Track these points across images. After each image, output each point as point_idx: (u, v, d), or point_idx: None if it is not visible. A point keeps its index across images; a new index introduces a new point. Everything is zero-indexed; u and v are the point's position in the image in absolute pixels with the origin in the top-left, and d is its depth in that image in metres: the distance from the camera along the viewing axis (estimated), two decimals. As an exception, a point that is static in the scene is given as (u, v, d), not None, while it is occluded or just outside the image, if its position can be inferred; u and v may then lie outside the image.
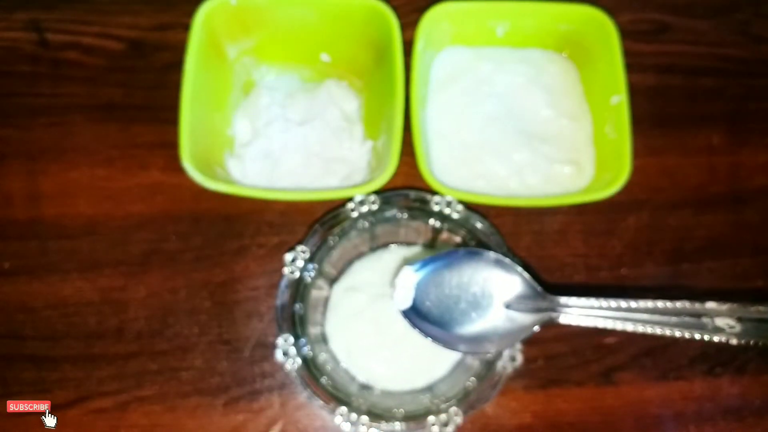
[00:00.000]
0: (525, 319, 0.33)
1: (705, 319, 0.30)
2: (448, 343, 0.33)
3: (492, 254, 0.33)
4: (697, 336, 0.31)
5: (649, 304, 0.31)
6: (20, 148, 0.42)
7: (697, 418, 0.39)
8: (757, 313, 0.26)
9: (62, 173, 0.42)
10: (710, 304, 0.28)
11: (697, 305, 0.30)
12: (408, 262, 0.36)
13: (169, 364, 0.39)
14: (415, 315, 0.33)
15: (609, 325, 0.32)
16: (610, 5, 0.46)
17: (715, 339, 0.30)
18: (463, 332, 0.33)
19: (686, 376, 0.39)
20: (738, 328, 0.27)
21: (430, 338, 0.33)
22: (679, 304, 0.31)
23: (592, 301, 0.33)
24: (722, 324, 0.28)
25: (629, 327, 0.32)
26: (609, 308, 0.32)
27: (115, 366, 0.38)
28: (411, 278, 0.33)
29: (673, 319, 0.31)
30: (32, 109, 0.43)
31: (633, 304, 0.32)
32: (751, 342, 0.30)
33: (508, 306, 0.33)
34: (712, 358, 0.40)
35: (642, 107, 0.44)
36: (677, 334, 0.31)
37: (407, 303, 0.33)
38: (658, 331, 0.31)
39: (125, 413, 0.38)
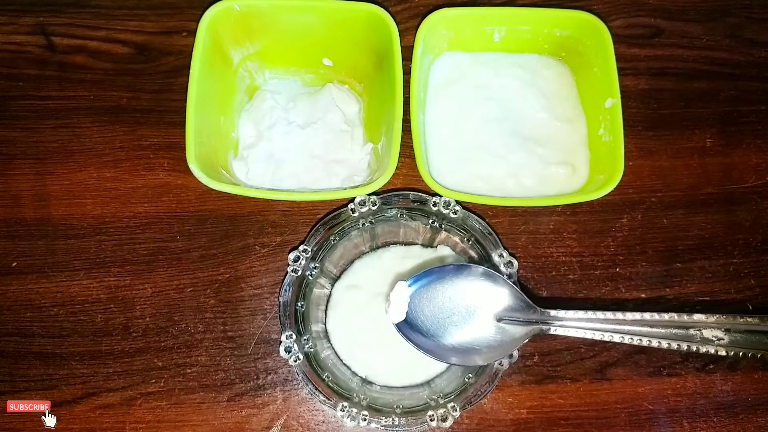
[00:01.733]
0: (516, 331, 0.33)
1: (693, 331, 0.29)
2: (440, 355, 0.33)
3: (480, 268, 0.34)
4: (685, 347, 0.30)
5: (637, 316, 0.31)
6: (28, 150, 0.43)
7: (691, 414, 0.39)
8: (745, 324, 0.26)
9: (70, 174, 0.42)
10: (698, 316, 0.27)
11: (685, 317, 0.29)
12: (401, 277, 0.36)
13: (175, 360, 0.39)
14: (409, 328, 0.33)
15: (598, 336, 0.32)
16: (604, 11, 0.47)
17: (703, 350, 0.29)
18: (454, 344, 0.33)
19: (679, 373, 0.40)
20: (726, 339, 0.27)
21: (422, 351, 0.33)
22: (667, 316, 0.30)
23: (580, 314, 0.33)
24: (710, 335, 0.27)
25: (617, 338, 0.32)
26: (598, 320, 0.32)
27: (122, 363, 0.39)
28: (404, 292, 0.33)
29: (662, 330, 0.31)
30: (40, 111, 0.43)
31: (621, 315, 0.31)
32: (740, 353, 0.29)
33: (499, 319, 0.34)
34: (704, 355, 0.39)
35: (635, 110, 0.45)
36: (664, 345, 0.30)
37: (401, 316, 0.33)
38: (645, 342, 0.31)
39: (131, 409, 0.38)
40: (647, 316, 0.31)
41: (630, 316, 0.30)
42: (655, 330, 0.31)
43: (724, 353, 0.26)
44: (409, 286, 0.33)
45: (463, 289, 0.33)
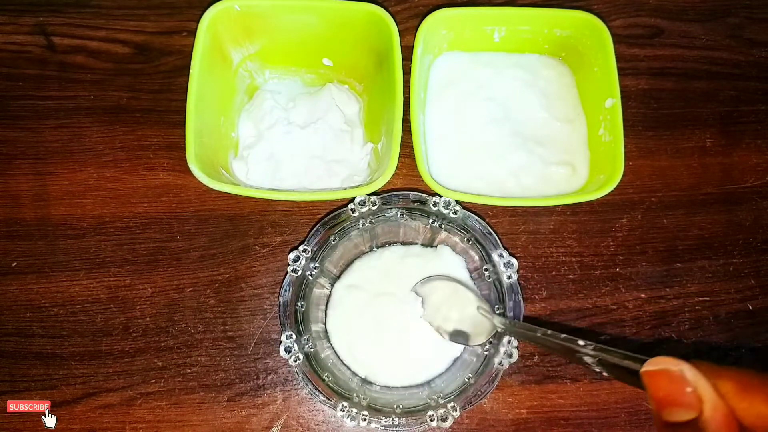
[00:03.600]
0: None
1: (577, 354, 0.29)
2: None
3: (452, 278, 0.37)
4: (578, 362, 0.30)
5: (539, 332, 0.31)
6: (28, 150, 0.43)
7: (690, 414, 0.40)
8: (617, 358, 0.25)
9: (70, 174, 0.42)
10: (580, 342, 0.27)
11: (569, 341, 0.28)
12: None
13: (175, 360, 0.39)
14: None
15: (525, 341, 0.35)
16: (604, 10, 0.47)
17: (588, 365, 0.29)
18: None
19: (679, 373, 0.40)
20: (598, 368, 0.27)
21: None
22: (558, 336, 0.30)
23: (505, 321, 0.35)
24: (588, 360, 0.27)
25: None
26: (515, 326, 0.34)
27: (122, 363, 0.39)
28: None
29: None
30: (40, 111, 0.43)
31: (528, 331, 0.32)
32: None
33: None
34: (704, 355, 0.40)
35: (635, 110, 0.45)
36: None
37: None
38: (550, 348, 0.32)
39: (131, 409, 0.38)
40: (543, 332, 0.31)
41: (538, 331, 0.31)
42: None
43: (606, 374, 0.27)
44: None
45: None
